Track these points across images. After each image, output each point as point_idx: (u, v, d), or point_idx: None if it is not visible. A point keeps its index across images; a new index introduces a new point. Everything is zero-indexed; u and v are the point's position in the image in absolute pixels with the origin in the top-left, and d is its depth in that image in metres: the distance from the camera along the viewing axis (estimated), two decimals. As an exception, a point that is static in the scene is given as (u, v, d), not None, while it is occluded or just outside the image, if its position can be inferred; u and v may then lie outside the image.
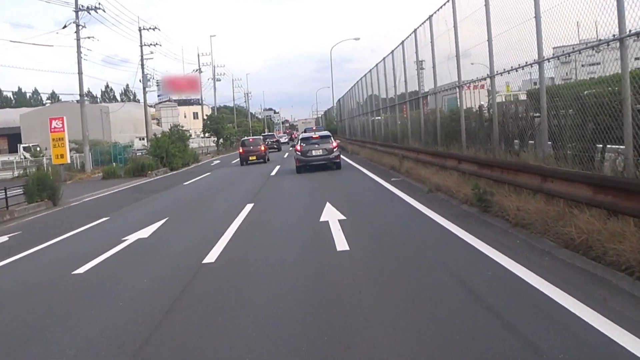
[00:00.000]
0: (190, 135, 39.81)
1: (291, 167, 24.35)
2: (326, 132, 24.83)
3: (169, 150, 33.10)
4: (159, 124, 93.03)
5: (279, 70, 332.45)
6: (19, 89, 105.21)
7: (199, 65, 63.26)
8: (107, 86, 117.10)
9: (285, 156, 38.56)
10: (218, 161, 41.94)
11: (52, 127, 29.24)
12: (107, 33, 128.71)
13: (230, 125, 69.97)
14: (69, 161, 30.48)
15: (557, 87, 9.43)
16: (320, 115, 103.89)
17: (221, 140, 61.74)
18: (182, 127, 41.20)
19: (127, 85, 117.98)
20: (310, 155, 21.72)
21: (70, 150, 38.67)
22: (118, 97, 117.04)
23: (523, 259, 6.15)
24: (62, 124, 29.21)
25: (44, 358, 4.69)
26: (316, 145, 21.72)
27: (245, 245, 8.64)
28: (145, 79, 46.95)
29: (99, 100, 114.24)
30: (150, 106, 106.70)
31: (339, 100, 55.74)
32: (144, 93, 47.45)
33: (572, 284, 5.20)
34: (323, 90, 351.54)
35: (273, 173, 24.24)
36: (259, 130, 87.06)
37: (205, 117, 61.63)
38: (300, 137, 25.02)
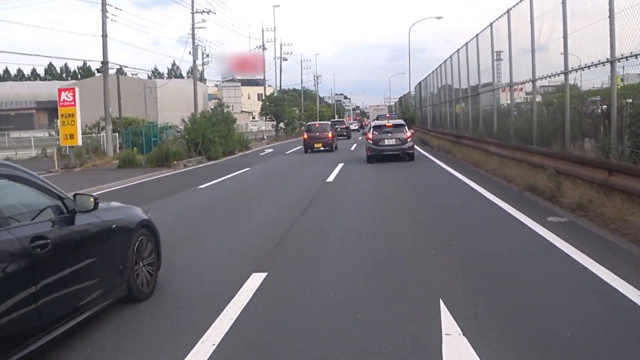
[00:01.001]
0: (235, 119, 32.91)
1: (361, 157, 22.43)
2: (400, 121, 23.06)
3: (206, 134, 26.38)
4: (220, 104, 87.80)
5: (350, 56, 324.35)
6: (84, 64, 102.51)
7: (263, 42, 56.63)
8: (173, 64, 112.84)
9: (353, 147, 32.09)
10: (271, 150, 35.09)
11: (61, 100, 23.15)
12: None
13: (294, 108, 62.77)
14: (80, 143, 24.34)
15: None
16: (393, 103, 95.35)
17: (282, 124, 55.00)
18: (228, 106, 34.58)
19: (203, 65, 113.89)
20: (383, 144, 20.33)
21: (101, 130, 33.00)
22: (185, 75, 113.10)
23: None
24: (73, 96, 23.06)
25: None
26: (389, 134, 20.40)
27: None
28: (195, 51, 40.80)
29: (165, 78, 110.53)
30: (214, 85, 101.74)
31: (418, 84, 47.61)
32: (194, 67, 41.34)
33: None
34: (396, 77, 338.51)
35: (335, 173, 17.77)
36: (327, 116, 79.58)
37: (263, 99, 55.14)
38: (373, 124, 22.88)
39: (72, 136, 23.09)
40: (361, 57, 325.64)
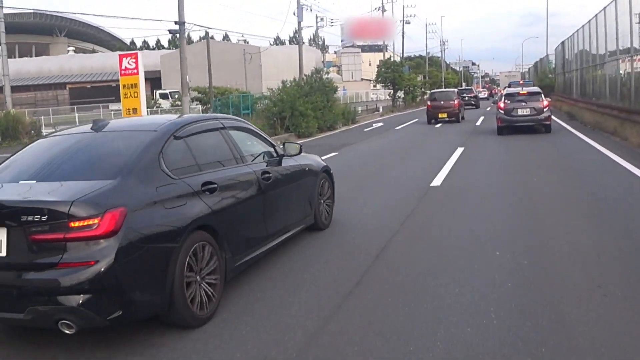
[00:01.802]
0: (336, 88, 28.02)
1: (491, 129, 20.36)
2: (535, 88, 20.78)
3: (296, 106, 21.86)
4: (339, 72, 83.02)
5: (478, 23, 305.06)
6: (206, 33, 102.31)
7: (382, 2, 50.98)
8: (295, 31, 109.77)
9: (481, 121, 27.52)
10: (380, 124, 29.91)
11: (122, 68, 19.56)
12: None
13: (414, 75, 56.47)
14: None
15: None
16: (527, 69, 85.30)
17: (400, 93, 49.18)
18: (328, 72, 29.78)
19: (317, 30, 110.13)
20: (516, 114, 18.23)
21: (194, 101, 29.76)
22: (307, 42, 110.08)
23: None
24: (136, 63, 19.34)
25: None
26: (523, 103, 18.22)
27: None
28: (300, 11, 36.31)
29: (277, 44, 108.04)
30: (334, 52, 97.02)
31: (561, 44, 39.07)
32: (299, 29, 36.91)
33: None
34: (529, 43, 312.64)
35: (457, 154, 14.24)
36: (453, 84, 71.77)
37: (380, 65, 49.30)
38: (505, 92, 20.43)
39: (135, 110, 19.51)
40: (490, 23, 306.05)
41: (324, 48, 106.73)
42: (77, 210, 3.61)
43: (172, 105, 38.18)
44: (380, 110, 42.77)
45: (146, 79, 51.73)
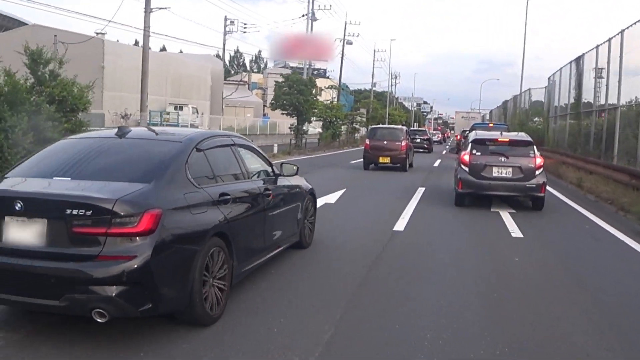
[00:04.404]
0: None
1: (444, 191, 14.36)
2: (523, 135, 13.10)
3: None
4: (264, 95, 72.87)
5: (432, 66, 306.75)
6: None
7: (310, 7, 41.99)
8: (237, 51, 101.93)
9: (437, 164, 25.08)
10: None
11: None
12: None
13: (336, 104, 41.07)
14: None
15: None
16: (489, 111, 75.07)
17: (313, 126, 38.62)
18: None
19: (260, 52, 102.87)
20: (488, 175, 11.49)
21: None
22: (247, 65, 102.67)
23: None
24: None
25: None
26: (502, 158, 11.56)
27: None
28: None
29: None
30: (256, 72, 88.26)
31: (553, 75, 28.28)
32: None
33: None
34: (487, 88, 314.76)
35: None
36: (399, 121, 63.76)
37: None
38: (471, 137, 12.78)
39: None
40: (443, 67, 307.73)
41: (257, 66, 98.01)
42: (120, 208, 3.98)
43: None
44: (275, 150, 28.99)
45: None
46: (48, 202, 4.12)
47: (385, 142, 21.01)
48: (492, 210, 11.50)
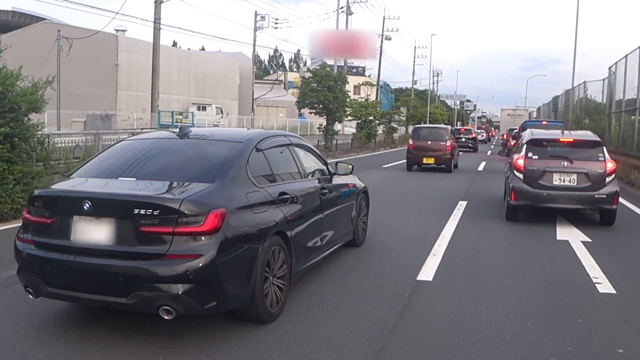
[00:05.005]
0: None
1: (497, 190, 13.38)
2: (588, 134, 10.63)
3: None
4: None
5: (475, 63, 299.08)
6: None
7: (346, 1, 39.53)
8: (275, 50, 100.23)
9: (481, 167, 22.91)
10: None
11: None
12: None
13: (374, 101, 37.50)
14: None
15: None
16: (536, 109, 70.67)
17: (345, 127, 35.58)
18: None
19: (299, 51, 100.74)
20: (549, 183, 9.45)
21: None
22: (287, 65, 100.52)
23: None
24: None
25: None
26: (564, 162, 9.46)
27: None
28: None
29: (267, 67, 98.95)
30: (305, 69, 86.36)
31: (616, 64, 24.31)
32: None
33: None
34: (532, 86, 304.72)
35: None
36: (440, 120, 60.20)
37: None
38: (527, 137, 10.38)
39: None
40: (488, 64, 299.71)
41: (296, 65, 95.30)
42: (186, 208, 4.05)
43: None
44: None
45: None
46: (115, 202, 4.23)
47: (429, 142, 20.31)
48: (558, 238, 8.53)
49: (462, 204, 11.67)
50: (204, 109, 37.99)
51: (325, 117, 30.10)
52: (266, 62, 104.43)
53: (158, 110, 24.09)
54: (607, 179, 9.31)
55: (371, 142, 35.52)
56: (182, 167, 4.82)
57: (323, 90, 28.62)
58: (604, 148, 9.74)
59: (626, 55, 22.13)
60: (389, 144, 39.97)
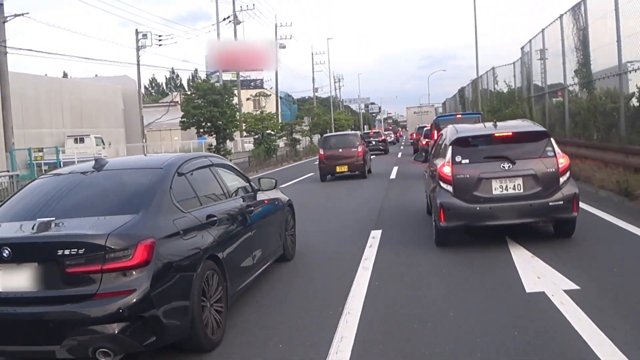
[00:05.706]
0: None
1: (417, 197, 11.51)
2: (528, 125, 8.52)
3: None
4: None
5: (375, 66, 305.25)
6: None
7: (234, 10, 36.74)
8: (172, 71, 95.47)
9: (394, 173, 20.96)
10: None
11: None
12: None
13: (268, 114, 35.49)
14: None
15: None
16: (441, 104, 69.42)
17: (231, 142, 32.65)
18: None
19: (196, 70, 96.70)
20: (487, 194, 7.18)
21: None
22: (186, 86, 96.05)
23: None
24: None
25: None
26: (505, 164, 7.22)
27: None
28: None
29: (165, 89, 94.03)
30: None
31: (530, 42, 22.45)
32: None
33: None
34: (435, 80, 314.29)
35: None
36: (346, 125, 58.38)
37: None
38: (450, 135, 8.04)
39: None
40: (389, 66, 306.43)
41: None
42: (113, 242, 3.88)
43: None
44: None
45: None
46: (37, 245, 4.10)
47: (340, 150, 19.94)
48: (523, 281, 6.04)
49: (374, 235, 8.80)
50: (82, 140, 34.16)
51: (213, 134, 27.08)
52: (164, 85, 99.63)
53: (12, 149, 20.23)
54: (562, 179, 7.23)
55: (272, 158, 33.06)
56: (103, 200, 4.71)
57: (208, 105, 25.70)
58: (552, 139, 7.59)
59: (542, 30, 20.41)
60: (292, 157, 37.48)
